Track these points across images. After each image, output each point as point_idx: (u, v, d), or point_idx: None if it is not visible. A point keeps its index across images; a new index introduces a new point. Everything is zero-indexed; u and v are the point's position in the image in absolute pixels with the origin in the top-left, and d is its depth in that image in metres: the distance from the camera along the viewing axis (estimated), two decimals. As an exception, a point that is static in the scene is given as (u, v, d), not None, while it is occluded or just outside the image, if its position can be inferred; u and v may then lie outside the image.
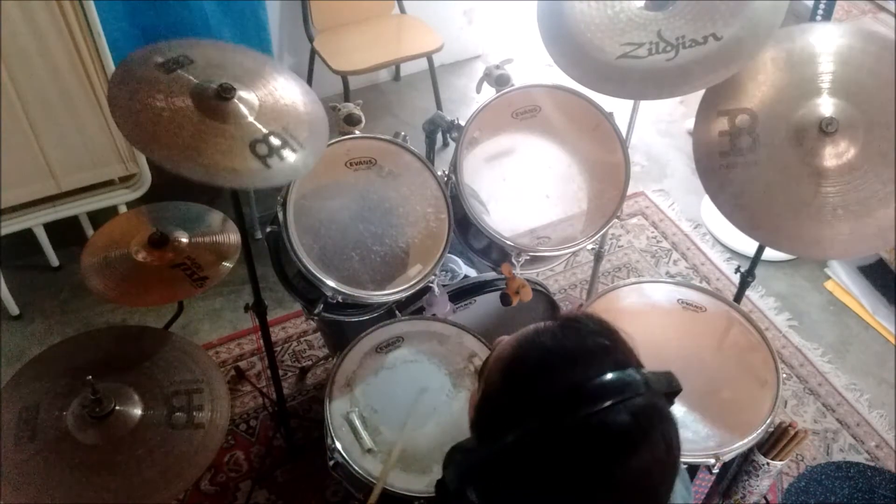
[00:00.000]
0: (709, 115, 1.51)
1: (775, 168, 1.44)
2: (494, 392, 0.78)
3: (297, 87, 1.47)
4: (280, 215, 1.54)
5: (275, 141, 1.33)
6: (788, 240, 1.43)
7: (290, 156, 1.34)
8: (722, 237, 2.82)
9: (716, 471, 1.47)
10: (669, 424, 0.74)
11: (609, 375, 0.72)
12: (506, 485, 0.74)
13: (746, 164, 1.46)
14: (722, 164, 1.48)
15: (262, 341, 1.78)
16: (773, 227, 1.43)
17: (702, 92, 1.54)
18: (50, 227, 2.41)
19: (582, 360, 0.74)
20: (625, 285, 1.77)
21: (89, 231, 2.53)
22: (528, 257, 1.70)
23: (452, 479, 0.77)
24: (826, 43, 1.48)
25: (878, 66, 1.43)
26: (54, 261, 2.56)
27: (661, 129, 3.31)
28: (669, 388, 0.76)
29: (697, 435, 1.51)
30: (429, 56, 2.95)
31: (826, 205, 1.40)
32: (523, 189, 1.77)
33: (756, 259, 1.80)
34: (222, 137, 1.29)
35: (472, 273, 1.99)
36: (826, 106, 1.43)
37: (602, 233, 1.76)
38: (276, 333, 2.42)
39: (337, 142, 1.63)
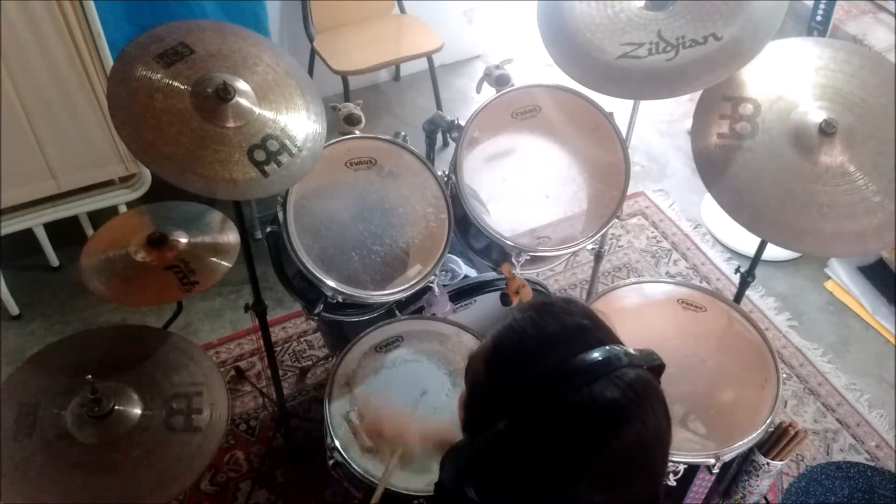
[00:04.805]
0: (713, 97, 1.53)
1: (769, 157, 1.45)
2: (479, 385, 0.79)
3: (296, 77, 1.46)
4: (280, 215, 1.54)
5: (272, 145, 1.34)
6: (770, 227, 1.44)
7: (287, 161, 1.35)
8: (722, 237, 2.82)
9: (716, 471, 1.47)
10: (657, 395, 0.75)
11: (593, 352, 0.73)
12: (502, 474, 0.74)
13: (741, 149, 1.47)
14: (718, 143, 1.49)
15: (262, 341, 1.78)
16: (756, 213, 1.45)
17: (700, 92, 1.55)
18: (50, 227, 2.41)
19: (563, 340, 0.75)
20: (625, 285, 1.77)
21: (89, 231, 2.53)
22: (528, 257, 1.70)
23: (449, 477, 0.78)
24: (832, 57, 1.50)
25: (880, 83, 1.47)
26: (54, 261, 2.56)
27: (661, 129, 3.31)
28: (651, 362, 0.77)
29: (697, 435, 1.51)
30: (429, 56, 2.95)
31: (813, 202, 1.41)
32: (523, 189, 1.77)
33: (756, 259, 1.79)
34: (221, 144, 1.30)
35: (472, 273, 1.99)
36: (828, 111, 1.45)
37: (602, 233, 1.76)
38: (276, 333, 2.42)
39: (337, 142, 1.63)
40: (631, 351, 0.75)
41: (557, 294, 2.57)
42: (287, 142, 1.37)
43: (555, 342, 0.75)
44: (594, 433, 0.71)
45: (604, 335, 0.77)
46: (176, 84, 1.30)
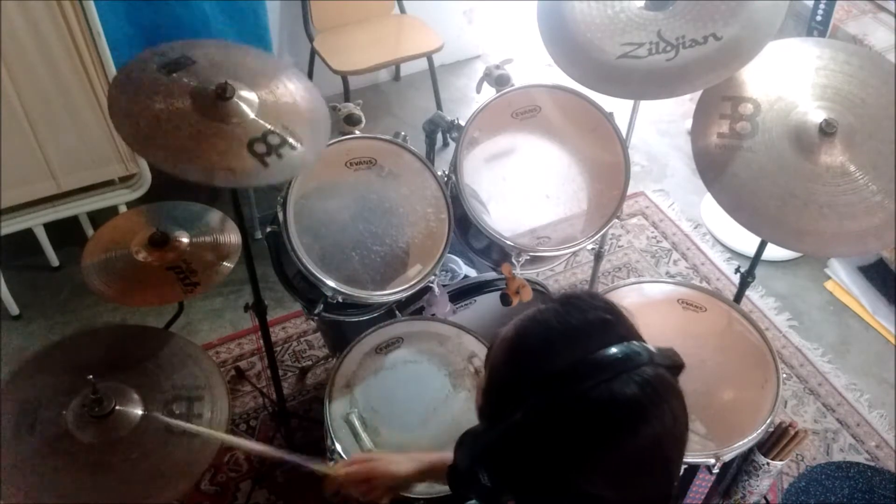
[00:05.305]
0: (713, 97, 1.53)
1: (770, 157, 1.46)
2: (500, 373, 0.78)
3: (300, 84, 1.46)
4: (280, 215, 1.54)
5: (273, 139, 1.34)
6: (769, 227, 1.44)
7: (288, 153, 1.34)
8: (722, 237, 2.82)
9: (716, 471, 1.47)
10: (676, 395, 0.75)
11: (614, 348, 0.73)
12: (516, 463, 0.74)
13: (741, 149, 1.47)
14: (718, 143, 1.49)
15: (262, 341, 1.78)
16: (756, 213, 1.45)
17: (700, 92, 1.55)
18: (50, 227, 2.41)
19: (585, 334, 0.75)
20: (625, 285, 1.77)
21: (89, 231, 2.52)
22: (528, 257, 1.70)
23: (463, 462, 0.79)
24: (832, 57, 1.50)
25: (879, 84, 1.47)
26: (54, 261, 2.56)
27: (661, 129, 3.31)
28: (672, 361, 0.77)
29: (697, 435, 1.51)
30: (429, 56, 2.95)
31: (814, 202, 1.41)
32: (523, 189, 1.77)
33: (756, 259, 1.79)
34: (220, 138, 1.30)
35: (472, 273, 1.99)
36: (828, 111, 1.45)
37: (602, 233, 1.76)
38: (276, 333, 2.42)
39: (337, 142, 1.63)
40: (652, 348, 0.75)
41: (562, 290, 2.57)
42: (288, 136, 1.36)
43: (577, 336, 0.75)
44: (611, 430, 0.71)
45: (626, 331, 0.77)
46: (177, 86, 1.30)
